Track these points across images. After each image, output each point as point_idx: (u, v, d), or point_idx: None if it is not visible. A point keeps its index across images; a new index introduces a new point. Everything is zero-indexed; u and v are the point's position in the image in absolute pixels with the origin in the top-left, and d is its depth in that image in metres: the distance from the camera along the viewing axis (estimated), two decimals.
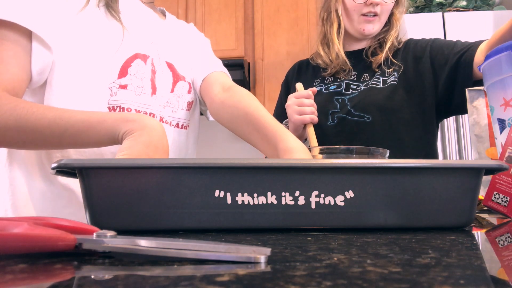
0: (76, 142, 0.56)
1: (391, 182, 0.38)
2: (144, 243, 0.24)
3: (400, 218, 0.38)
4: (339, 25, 1.05)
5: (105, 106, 0.69)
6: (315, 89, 0.91)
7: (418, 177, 0.39)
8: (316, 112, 0.87)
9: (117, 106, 0.69)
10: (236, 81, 2.46)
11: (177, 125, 0.80)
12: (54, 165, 0.36)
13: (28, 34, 0.61)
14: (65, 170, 0.37)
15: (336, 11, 1.05)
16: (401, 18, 1.06)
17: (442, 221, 0.39)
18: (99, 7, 0.69)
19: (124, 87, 0.69)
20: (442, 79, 0.97)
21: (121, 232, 0.32)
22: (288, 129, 0.94)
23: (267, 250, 0.23)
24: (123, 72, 0.69)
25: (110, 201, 0.37)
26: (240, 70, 2.46)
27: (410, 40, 1.09)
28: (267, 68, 2.55)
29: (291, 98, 0.90)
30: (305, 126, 0.87)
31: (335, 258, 0.24)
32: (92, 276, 0.21)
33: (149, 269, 0.22)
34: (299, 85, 0.92)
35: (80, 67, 0.66)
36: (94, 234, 0.25)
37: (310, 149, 0.71)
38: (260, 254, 0.23)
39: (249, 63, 2.59)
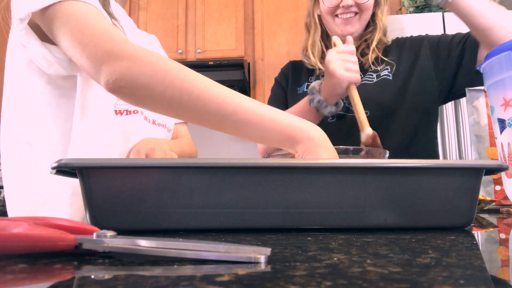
0: (237, 129, 0.51)
1: (391, 182, 0.38)
2: (144, 243, 0.24)
3: (400, 218, 0.38)
4: (320, 29, 1.07)
5: (111, 110, 0.70)
6: (350, 40, 0.84)
7: (418, 177, 0.39)
8: (359, 70, 0.81)
9: (124, 110, 0.70)
10: (236, 81, 2.47)
11: (166, 127, 0.84)
12: (54, 164, 0.36)
13: None
14: (65, 170, 0.37)
15: (314, 16, 1.06)
16: (384, 18, 1.06)
17: (442, 221, 0.39)
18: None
19: None
20: (449, 64, 0.96)
21: (121, 232, 0.32)
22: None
23: (267, 250, 0.23)
24: None
25: (110, 201, 0.36)
26: (240, 70, 2.46)
27: (398, 38, 1.09)
28: (267, 68, 2.55)
29: (333, 53, 0.82)
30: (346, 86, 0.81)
31: (335, 258, 0.24)
32: (92, 276, 0.21)
33: (149, 269, 0.22)
34: (337, 39, 0.85)
35: (86, 76, 0.66)
36: (94, 234, 0.25)
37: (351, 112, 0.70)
38: (260, 254, 0.23)
39: (249, 63, 2.59)
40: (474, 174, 0.39)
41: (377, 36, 1.03)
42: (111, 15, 0.71)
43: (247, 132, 0.51)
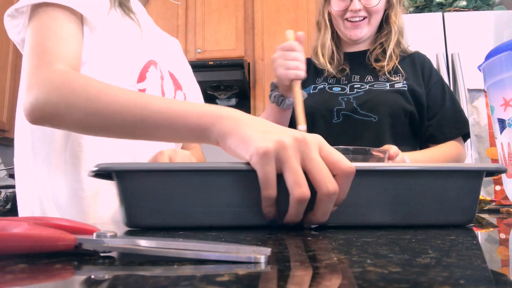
0: (151, 135, 0.50)
1: (398, 183, 0.41)
2: (144, 243, 0.24)
3: (406, 217, 0.41)
4: (331, 29, 1.06)
5: None
6: (300, 35, 0.84)
7: (424, 179, 0.41)
8: (301, 65, 0.81)
9: None
10: (236, 81, 2.47)
11: None
12: (94, 168, 0.39)
13: (80, 19, 0.65)
14: (102, 172, 0.40)
15: (325, 15, 1.06)
16: (398, 20, 1.04)
17: (446, 220, 0.41)
18: (116, 8, 0.70)
19: (142, 91, 0.70)
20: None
21: (152, 229, 0.39)
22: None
23: (267, 250, 0.23)
24: (142, 77, 0.71)
25: (142, 200, 0.39)
26: (240, 70, 2.46)
27: (419, 53, 1.09)
28: (267, 68, 2.55)
29: (277, 50, 0.84)
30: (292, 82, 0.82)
31: (335, 258, 0.24)
32: (92, 276, 0.21)
33: (149, 269, 0.22)
34: (289, 33, 0.85)
35: (104, 69, 0.67)
36: (94, 234, 0.25)
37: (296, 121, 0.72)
38: (260, 254, 0.23)
39: (249, 63, 2.59)
40: (475, 176, 0.41)
41: (394, 39, 1.03)
42: (129, 9, 0.71)
43: (161, 136, 0.49)
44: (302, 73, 0.81)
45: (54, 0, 0.60)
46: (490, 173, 0.43)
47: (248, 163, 0.38)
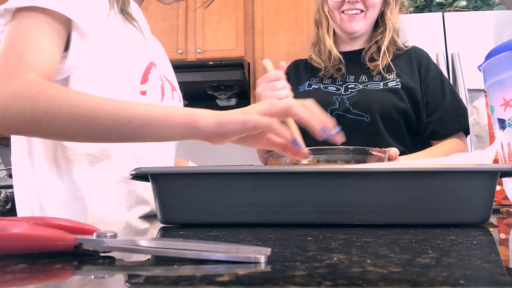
0: (139, 137, 0.53)
1: (417, 184, 0.43)
2: (144, 243, 0.24)
3: (427, 216, 0.43)
4: (329, 24, 1.06)
5: None
6: (283, 64, 0.76)
7: (442, 180, 0.43)
8: (291, 94, 0.74)
9: None
10: (236, 81, 2.47)
11: None
12: (132, 172, 0.44)
13: (67, 24, 0.62)
14: (140, 175, 0.45)
15: (324, 10, 1.06)
16: (394, 18, 1.04)
17: (462, 219, 0.43)
18: (117, 14, 0.70)
19: (143, 93, 0.71)
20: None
21: (185, 225, 0.44)
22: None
23: (267, 250, 0.23)
24: (144, 78, 0.71)
25: (175, 199, 0.44)
26: (240, 70, 2.46)
27: (416, 48, 1.08)
28: None
29: (261, 84, 0.75)
30: None
31: (335, 258, 0.24)
32: (92, 276, 0.21)
33: (149, 269, 0.22)
34: (267, 62, 0.76)
35: (105, 72, 0.66)
36: (94, 234, 0.25)
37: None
38: (260, 254, 0.23)
39: (249, 63, 2.59)
40: (490, 176, 0.43)
41: (388, 36, 1.02)
42: (129, 15, 0.71)
43: (148, 135, 0.52)
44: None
45: (44, 5, 0.58)
46: (504, 173, 0.45)
47: (265, 167, 0.43)
